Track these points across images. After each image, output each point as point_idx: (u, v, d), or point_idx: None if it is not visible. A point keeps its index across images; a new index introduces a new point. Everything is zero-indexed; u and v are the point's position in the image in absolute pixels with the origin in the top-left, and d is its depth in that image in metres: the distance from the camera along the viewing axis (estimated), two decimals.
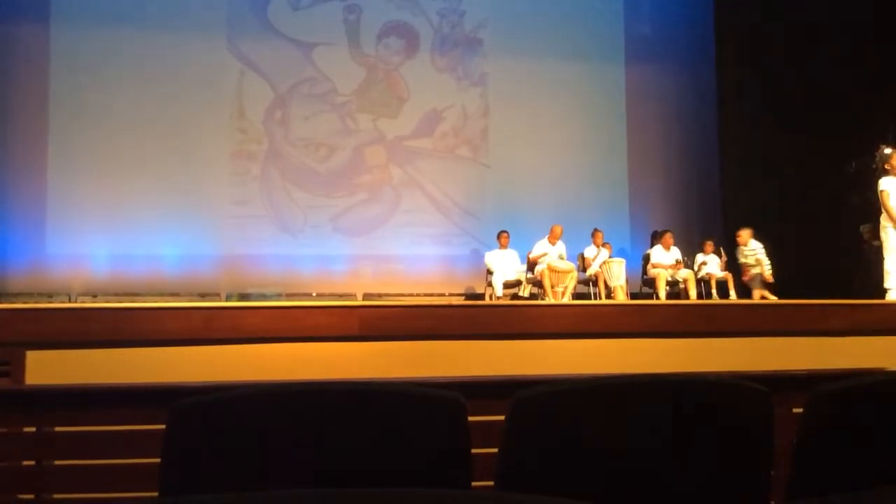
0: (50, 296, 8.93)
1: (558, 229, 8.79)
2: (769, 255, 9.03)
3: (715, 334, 4.29)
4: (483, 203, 10.45)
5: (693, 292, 8.86)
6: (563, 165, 10.60)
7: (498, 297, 8.58)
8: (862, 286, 8.65)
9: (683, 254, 9.34)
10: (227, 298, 9.21)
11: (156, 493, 1.22)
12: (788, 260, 9.44)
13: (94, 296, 9.00)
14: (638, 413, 1.31)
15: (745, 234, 9.04)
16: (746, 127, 10.32)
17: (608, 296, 8.70)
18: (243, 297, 9.21)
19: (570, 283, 8.32)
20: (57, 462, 1.97)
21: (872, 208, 7.02)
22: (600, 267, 8.93)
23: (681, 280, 9.02)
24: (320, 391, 1.27)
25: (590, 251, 9.26)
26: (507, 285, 8.77)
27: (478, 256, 9.99)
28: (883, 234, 6.14)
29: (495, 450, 1.29)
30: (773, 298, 8.20)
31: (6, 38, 9.37)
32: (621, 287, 8.76)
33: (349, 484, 1.12)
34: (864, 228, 8.90)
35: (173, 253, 9.48)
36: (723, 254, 9.48)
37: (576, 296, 8.54)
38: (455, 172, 10.58)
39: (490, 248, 9.36)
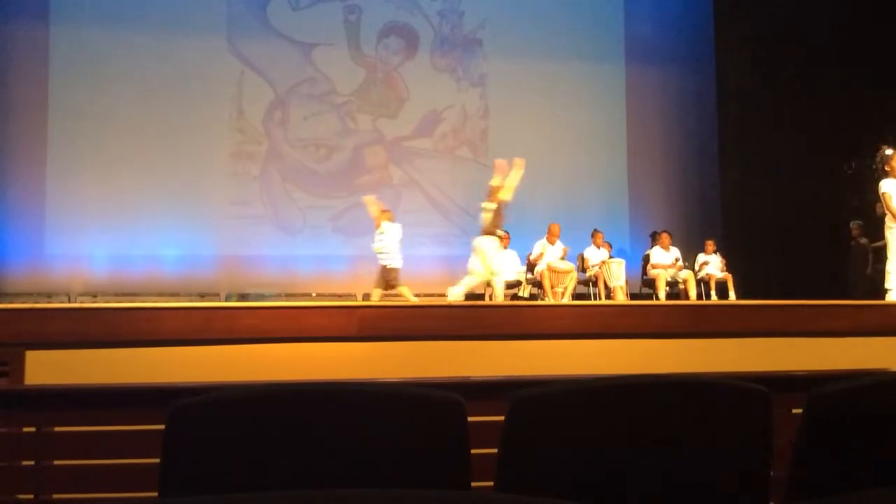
0: (49, 296, 8.92)
1: (557, 228, 8.77)
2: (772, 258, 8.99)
3: (715, 335, 4.29)
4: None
5: (693, 293, 8.86)
6: (562, 166, 10.60)
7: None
8: (851, 285, 8.69)
9: (683, 254, 9.33)
10: (227, 299, 9.21)
11: (155, 493, 1.21)
12: (788, 260, 9.45)
13: (94, 296, 8.99)
14: (637, 413, 1.31)
15: (384, 216, 8.05)
16: (746, 127, 10.33)
17: (608, 296, 8.69)
18: (242, 297, 9.22)
19: (570, 283, 8.31)
20: (56, 462, 1.97)
21: (871, 209, 7.03)
22: (600, 267, 8.92)
23: (680, 280, 9.02)
24: (320, 392, 1.27)
25: (590, 251, 9.26)
26: (507, 286, 8.76)
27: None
28: (888, 235, 6.13)
29: (495, 450, 1.29)
30: (410, 298, 7.67)
31: (6, 38, 9.37)
32: (621, 287, 8.76)
33: (349, 484, 1.12)
34: (854, 225, 8.92)
35: (173, 253, 9.48)
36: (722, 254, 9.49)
37: (576, 296, 8.54)
38: (455, 173, 10.58)
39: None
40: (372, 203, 8.25)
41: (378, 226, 7.99)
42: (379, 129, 10.43)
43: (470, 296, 9.91)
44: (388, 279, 7.82)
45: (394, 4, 10.56)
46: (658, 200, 10.88)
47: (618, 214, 10.61)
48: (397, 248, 7.90)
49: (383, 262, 7.82)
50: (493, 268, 6.83)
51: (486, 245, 6.82)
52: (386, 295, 7.82)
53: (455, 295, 6.92)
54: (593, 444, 1.28)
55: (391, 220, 8.07)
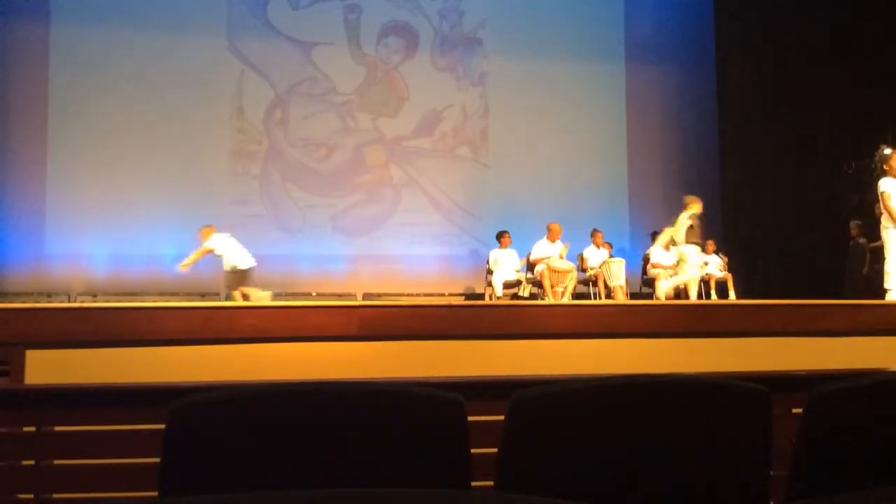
0: (49, 295, 8.93)
1: (557, 227, 8.76)
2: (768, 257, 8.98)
3: (715, 334, 4.28)
4: (483, 203, 10.45)
5: (693, 292, 8.85)
6: (563, 165, 10.61)
7: (498, 297, 8.57)
8: (850, 285, 8.71)
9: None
10: (227, 298, 9.20)
11: (156, 493, 1.21)
12: (788, 260, 9.45)
13: (94, 295, 9.00)
14: (637, 413, 1.31)
15: (206, 231, 7.92)
16: (746, 127, 10.33)
17: (608, 296, 8.69)
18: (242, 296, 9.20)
19: (570, 283, 8.31)
20: (56, 462, 1.97)
21: (871, 209, 7.04)
22: (600, 267, 8.92)
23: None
24: (320, 391, 1.27)
25: (589, 251, 9.26)
26: (506, 285, 8.77)
27: (477, 256, 9.98)
28: (884, 235, 6.13)
29: (495, 450, 1.29)
30: (259, 298, 7.61)
31: (6, 38, 9.37)
32: (621, 287, 8.76)
33: (349, 484, 1.12)
34: (853, 225, 8.95)
35: (172, 252, 9.45)
36: (723, 254, 9.49)
37: (575, 296, 8.54)
38: (455, 172, 10.58)
39: (490, 247, 9.35)
40: (192, 258, 7.93)
41: (208, 249, 7.84)
42: (379, 128, 10.43)
43: (470, 295, 9.94)
44: (242, 281, 7.78)
45: (394, 4, 10.57)
46: (658, 200, 10.87)
47: (618, 214, 10.62)
48: (241, 251, 7.87)
49: (239, 268, 7.76)
50: (694, 273, 7.69)
51: (690, 252, 7.72)
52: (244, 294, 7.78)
53: (664, 293, 7.83)
54: (593, 444, 1.28)
55: (213, 231, 7.94)
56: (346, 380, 1.31)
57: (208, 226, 8.07)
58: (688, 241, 7.60)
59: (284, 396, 1.24)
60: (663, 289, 7.69)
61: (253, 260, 7.93)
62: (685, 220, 7.65)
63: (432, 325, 4.11)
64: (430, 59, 10.66)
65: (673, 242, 7.69)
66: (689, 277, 7.62)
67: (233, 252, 7.87)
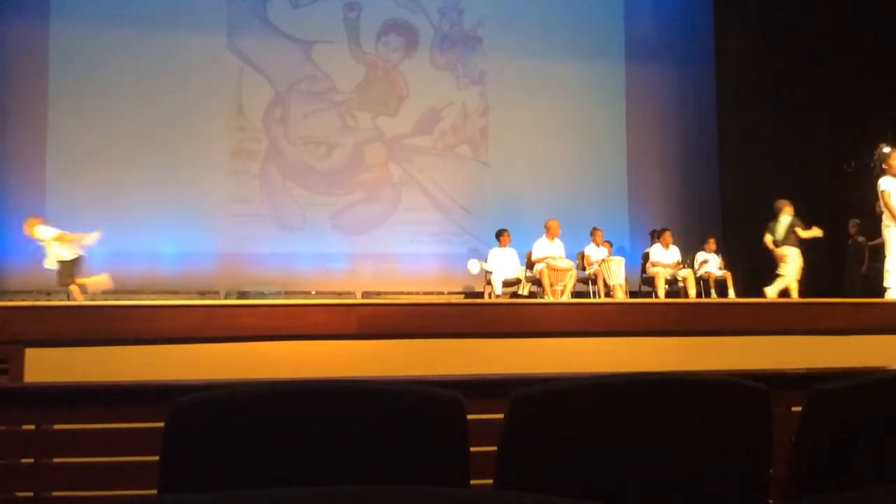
0: (48, 294, 8.91)
1: (556, 224, 8.74)
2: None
3: (714, 333, 4.29)
4: (483, 202, 10.44)
5: (692, 291, 8.86)
6: (562, 164, 10.60)
7: (497, 296, 8.57)
8: (849, 284, 8.71)
9: (682, 253, 9.33)
10: (227, 296, 9.20)
11: (155, 491, 1.21)
12: None
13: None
14: (637, 412, 1.31)
15: (33, 221, 7.70)
16: (746, 127, 10.32)
17: (607, 294, 8.69)
18: (242, 295, 9.21)
19: (570, 281, 8.31)
20: (56, 460, 1.97)
21: (870, 207, 7.04)
22: (599, 265, 8.92)
23: (680, 279, 9.02)
24: (319, 389, 1.27)
25: (590, 250, 9.26)
26: (506, 284, 8.77)
27: (477, 255, 9.97)
28: (885, 233, 6.14)
29: (495, 448, 1.29)
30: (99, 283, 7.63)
31: (6, 37, 9.36)
32: (620, 286, 8.76)
33: (348, 483, 1.12)
34: (852, 223, 8.95)
35: (172, 251, 9.47)
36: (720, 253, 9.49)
37: (575, 294, 8.54)
38: (455, 171, 10.58)
39: (490, 246, 9.34)
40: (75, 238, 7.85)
41: (59, 236, 7.71)
42: (379, 126, 10.42)
43: (469, 294, 9.94)
44: (73, 273, 7.71)
45: (394, 2, 10.56)
46: (658, 199, 10.88)
47: (618, 213, 10.61)
48: (60, 246, 7.75)
49: (66, 259, 7.68)
50: (793, 273, 7.90)
51: (791, 253, 7.97)
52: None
53: (771, 294, 7.93)
54: (593, 443, 1.28)
55: (41, 222, 7.81)
56: (345, 378, 1.31)
57: (35, 216, 7.81)
58: (787, 243, 7.94)
59: (284, 395, 1.24)
60: (770, 293, 7.95)
61: (79, 249, 7.75)
62: (788, 223, 7.98)
63: (432, 323, 4.11)
64: (429, 58, 10.65)
65: (774, 244, 8.04)
66: (790, 277, 7.94)
67: (55, 247, 7.68)
